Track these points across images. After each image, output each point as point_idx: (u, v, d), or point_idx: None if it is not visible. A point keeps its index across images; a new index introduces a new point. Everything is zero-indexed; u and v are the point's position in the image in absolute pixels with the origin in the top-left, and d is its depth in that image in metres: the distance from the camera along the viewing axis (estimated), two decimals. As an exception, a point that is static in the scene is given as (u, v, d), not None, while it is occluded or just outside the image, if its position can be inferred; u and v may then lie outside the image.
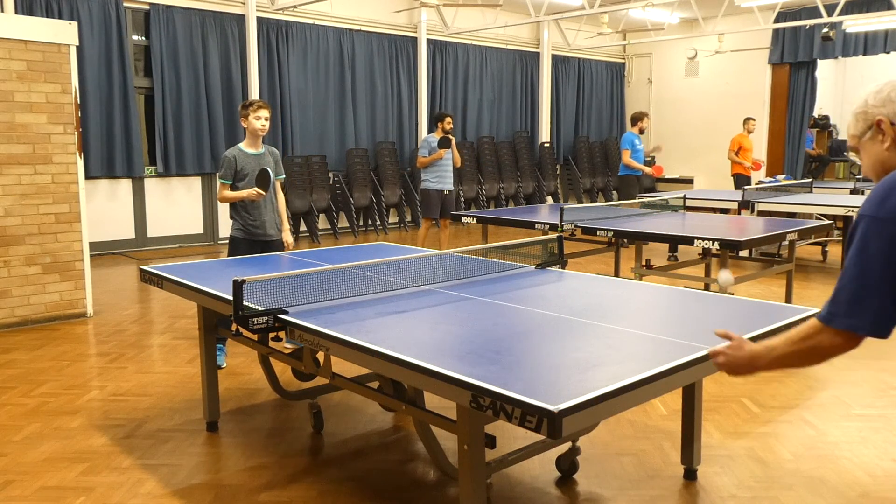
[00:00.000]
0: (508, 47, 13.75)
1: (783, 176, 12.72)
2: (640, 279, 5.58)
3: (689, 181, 14.38)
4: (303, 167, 10.76)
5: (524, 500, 3.01)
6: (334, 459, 3.40)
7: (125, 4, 9.23)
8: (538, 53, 14.31)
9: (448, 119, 7.98)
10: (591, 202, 14.47)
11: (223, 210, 8.67)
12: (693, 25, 14.15)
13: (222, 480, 3.17)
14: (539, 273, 3.62)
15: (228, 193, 4.72)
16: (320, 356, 3.01)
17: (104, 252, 9.22)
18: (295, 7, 10.45)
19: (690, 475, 3.16)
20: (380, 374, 2.70)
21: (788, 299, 6.03)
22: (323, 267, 3.24)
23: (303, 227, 10.83)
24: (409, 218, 12.21)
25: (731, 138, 10.89)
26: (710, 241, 4.93)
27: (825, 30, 11.64)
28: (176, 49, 9.66)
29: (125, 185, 9.55)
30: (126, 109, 9.28)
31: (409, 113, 12.23)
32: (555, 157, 14.56)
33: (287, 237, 4.96)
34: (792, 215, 7.82)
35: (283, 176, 5.01)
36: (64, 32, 5.79)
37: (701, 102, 14.85)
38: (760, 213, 7.81)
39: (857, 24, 11.60)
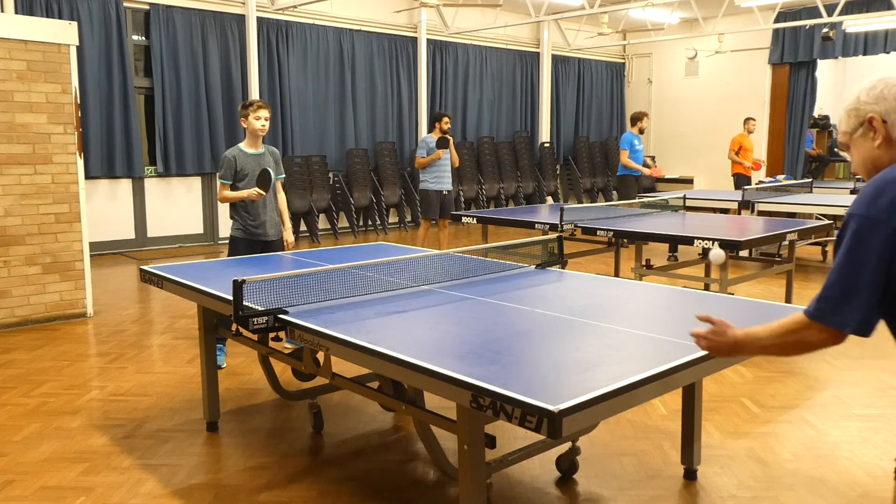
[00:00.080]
0: (508, 47, 13.75)
1: (783, 176, 12.73)
2: (640, 279, 5.58)
3: (689, 181, 14.38)
4: (303, 167, 10.77)
5: (524, 500, 3.01)
6: (334, 459, 3.40)
7: (125, 4, 9.23)
8: (538, 53, 14.31)
9: (446, 119, 7.97)
10: (591, 202, 14.47)
11: (223, 210, 8.67)
12: (693, 25, 14.15)
13: (222, 480, 3.17)
14: (539, 273, 3.62)
15: (228, 193, 4.72)
16: (320, 356, 3.00)
17: (104, 252, 9.22)
18: (295, 7, 10.45)
19: (690, 475, 3.16)
20: (380, 374, 2.70)
21: (788, 299, 6.03)
22: (323, 267, 3.24)
23: (303, 227, 10.83)
24: (409, 218, 12.21)
25: (732, 138, 10.90)
26: (710, 241, 4.93)
27: (825, 30, 11.64)
28: (176, 49, 9.66)
29: (125, 185, 9.55)
30: (126, 109, 9.28)
31: (409, 113, 12.23)
32: (555, 157, 14.56)
33: (288, 236, 4.96)
34: (792, 215, 7.82)
35: (284, 175, 5.01)
36: (64, 32, 5.79)
37: (701, 102, 14.85)
38: (760, 213, 7.81)
39: (857, 24, 11.60)
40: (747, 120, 10.88)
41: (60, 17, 8.41)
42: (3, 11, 8.04)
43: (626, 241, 7.23)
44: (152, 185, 9.80)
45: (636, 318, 2.77)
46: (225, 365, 4.72)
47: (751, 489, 3.06)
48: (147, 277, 3.74)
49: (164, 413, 3.97)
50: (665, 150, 15.55)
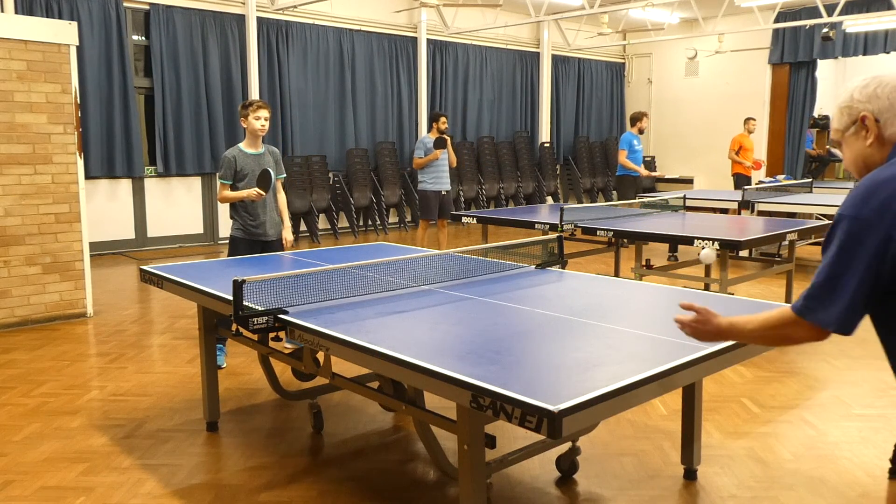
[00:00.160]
0: (508, 47, 13.75)
1: (783, 176, 12.73)
2: (640, 279, 5.58)
3: (689, 181, 14.38)
4: (303, 167, 10.77)
5: (524, 500, 3.01)
6: (334, 459, 3.40)
7: (125, 4, 9.23)
8: (538, 53, 14.31)
9: (443, 119, 7.95)
10: (591, 202, 14.47)
11: (223, 210, 8.67)
12: (693, 25, 14.15)
13: (222, 480, 3.17)
14: (539, 273, 3.62)
15: (228, 193, 4.72)
16: (320, 356, 3.00)
17: (104, 252, 9.22)
18: (295, 7, 10.45)
19: (690, 475, 3.16)
20: (380, 374, 2.70)
21: (788, 299, 6.03)
22: (323, 267, 3.24)
23: (303, 227, 10.83)
24: (409, 218, 12.21)
25: (732, 138, 10.90)
26: (710, 241, 4.93)
27: (825, 30, 11.64)
28: (176, 49, 9.66)
29: (125, 185, 9.55)
30: (126, 109, 9.28)
31: (408, 113, 12.23)
32: (555, 157, 14.56)
33: (287, 234, 4.95)
34: (792, 215, 7.82)
35: (284, 175, 5.01)
36: (64, 32, 5.79)
37: (701, 102, 14.85)
38: (760, 213, 7.81)
39: (857, 24, 11.60)
40: (747, 120, 10.88)
41: (60, 17, 8.41)
42: (3, 11, 8.04)
43: (626, 241, 7.23)
44: (152, 185, 9.80)
45: (636, 318, 2.77)
46: (225, 365, 4.72)
47: (751, 489, 3.06)
48: (147, 277, 3.74)
49: (164, 413, 3.97)
50: (665, 150, 15.55)
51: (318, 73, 11.04)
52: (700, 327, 1.86)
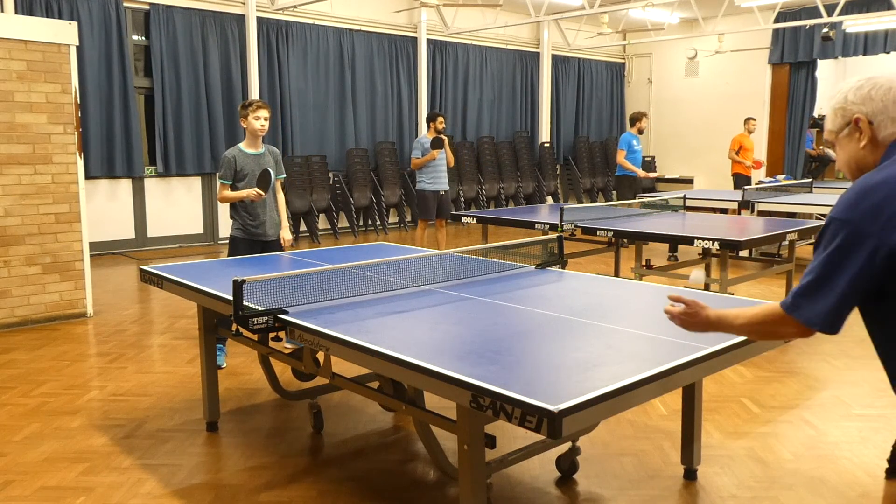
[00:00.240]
0: (508, 47, 13.75)
1: (783, 176, 12.73)
2: (640, 279, 5.58)
3: (689, 181, 14.38)
4: (303, 167, 10.76)
5: (524, 500, 3.01)
6: (334, 459, 3.40)
7: (125, 4, 9.23)
8: (538, 53, 14.31)
9: (440, 119, 7.94)
10: (591, 202, 14.47)
11: (223, 210, 8.67)
12: (693, 25, 14.15)
13: (222, 480, 3.17)
14: (539, 273, 3.62)
15: (228, 193, 4.72)
16: (320, 356, 3.01)
17: (104, 252, 9.22)
18: (295, 7, 10.45)
19: (690, 475, 3.16)
20: (380, 374, 2.70)
21: (788, 299, 6.02)
22: (323, 267, 3.24)
23: (303, 227, 10.83)
24: (409, 218, 12.21)
25: (732, 138, 10.90)
26: (710, 241, 4.93)
27: (825, 30, 11.63)
28: (176, 49, 9.65)
29: (125, 185, 9.55)
30: (126, 109, 9.28)
31: (408, 113, 12.23)
32: (555, 157, 14.56)
33: (286, 234, 4.95)
34: (792, 215, 7.82)
35: (284, 175, 5.01)
36: (64, 32, 5.79)
37: (701, 102, 14.85)
38: (760, 213, 7.81)
39: (857, 24, 11.60)
40: (747, 120, 10.88)
41: (60, 17, 8.41)
42: (3, 11, 8.04)
43: (626, 241, 7.23)
44: (152, 185, 9.80)
45: (636, 318, 2.77)
46: (225, 365, 4.72)
47: (751, 489, 3.06)
48: (147, 277, 3.74)
49: (164, 413, 3.97)
50: (665, 150, 15.55)
51: (318, 73, 11.04)
52: (689, 319, 1.90)
